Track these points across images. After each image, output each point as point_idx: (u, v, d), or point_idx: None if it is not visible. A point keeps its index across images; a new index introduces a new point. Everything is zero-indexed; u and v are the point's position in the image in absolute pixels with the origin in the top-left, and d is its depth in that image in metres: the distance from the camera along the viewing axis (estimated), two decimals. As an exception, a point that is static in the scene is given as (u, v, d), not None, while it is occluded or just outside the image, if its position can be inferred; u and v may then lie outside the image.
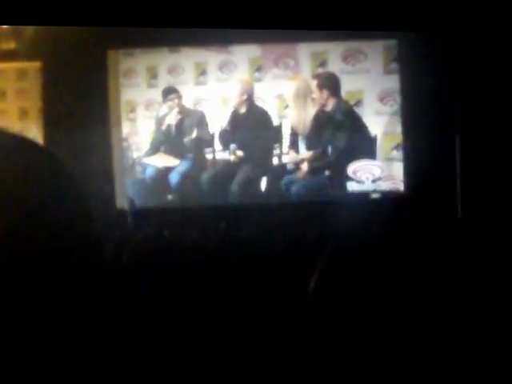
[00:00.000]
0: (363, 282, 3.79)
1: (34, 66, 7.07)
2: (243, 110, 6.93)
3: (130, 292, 4.21)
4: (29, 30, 6.52)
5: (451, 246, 4.82)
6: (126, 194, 6.94)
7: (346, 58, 6.89)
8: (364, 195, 6.74)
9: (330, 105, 6.77)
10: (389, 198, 6.82)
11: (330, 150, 6.82)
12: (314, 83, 6.81)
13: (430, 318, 3.75)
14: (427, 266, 4.22)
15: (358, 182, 6.80)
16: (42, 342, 1.33)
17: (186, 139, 7.04)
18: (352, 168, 6.76)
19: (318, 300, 3.61)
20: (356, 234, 5.50)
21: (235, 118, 6.93)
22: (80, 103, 6.85)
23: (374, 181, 6.82)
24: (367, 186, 6.81)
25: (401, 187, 6.88)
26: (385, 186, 6.86)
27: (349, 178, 6.83)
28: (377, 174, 6.80)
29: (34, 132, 6.97)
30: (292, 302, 4.37)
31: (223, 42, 6.97)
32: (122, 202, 6.92)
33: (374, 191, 6.78)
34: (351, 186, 6.83)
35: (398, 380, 2.78)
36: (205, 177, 6.96)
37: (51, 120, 6.97)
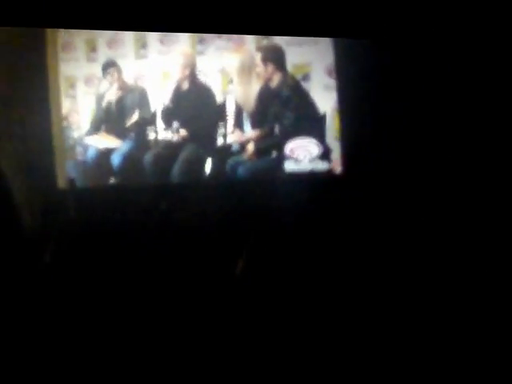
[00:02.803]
0: (290, 263, 3.54)
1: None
2: (186, 85, 6.52)
3: (72, 272, 4.02)
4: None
5: (383, 228, 4.51)
6: (66, 176, 6.63)
7: (292, 28, 6.35)
8: (310, 177, 6.34)
9: (276, 80, 6.32)
10: (332, 179, 6.44)
11: (276, 128, 6.37)
12: (258, 56, 6.29)
13: (356, 295, 3.50)
14: (358, 247, 3.94)
15: (296, 160, 6.35)
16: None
17: (128, 118, 6.64)
18: (289, 146, 6.32)
19: (245, 280, 3.40)
20: (290, 216, 5.24)
21: (178, 95, 6.52)
22: (17, 80, 6.50)
23: (311, 160, 6.37)
24: (304, 166, 6.36)
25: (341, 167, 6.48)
26: (324, 165, 6.42)
27: (287, 158, 6.37)
28: (314, 152, 6.35)
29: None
30: (225, 282, 4.16)
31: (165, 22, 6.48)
32: (62, 184, 6.62)
33: (312, 171, 6.36)
34: (289, 165, 6.38)
35: (320, 352, 2.68)
36: (148, 157, 6.58)
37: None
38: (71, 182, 6.42)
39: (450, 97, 6.05)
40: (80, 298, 4.12)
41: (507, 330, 4.30)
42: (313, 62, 6.41)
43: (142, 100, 6.63)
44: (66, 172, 6.69)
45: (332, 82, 6.37)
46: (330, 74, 6.38)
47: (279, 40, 6.41)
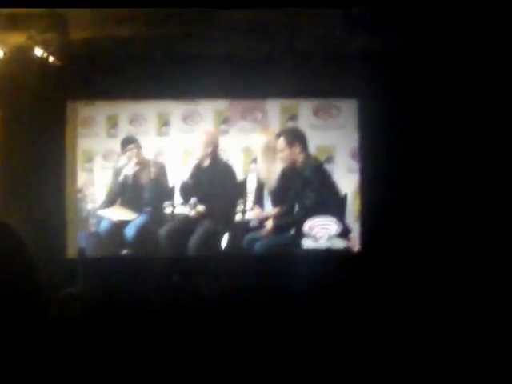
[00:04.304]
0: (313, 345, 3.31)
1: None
2: (207, 162, 6.53)
3: (79, 342, 3.75)
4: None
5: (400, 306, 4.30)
6: (77, 246, 6.45)
7: (317, 112, 6.51)
8: (327, 254, 6.27)
9: (299, 161, 6.36)
10: (350, 257, 6.39)
11: (296, 207, 6.35)
12: (282, 138, 6.38)
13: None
14: (375, 326, 3.72)
15: (314, 238, 6.31)
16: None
17: (144, 192, 6.57)
18: (308, 224, 6.29)
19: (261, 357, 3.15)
20: (306, 292, 5.08)
21: (198, 171, 6.51)
22: (36, 153, 6.49)
23: (329, 238, 6.34)
24: (322, 243, 6.34)
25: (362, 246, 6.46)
26: (342, 243, 6.42)
27: (305, 235, 6.37)
28: (333, 231, 6.32)
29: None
30: (241, 355, 3.90)
31: (189, 96, 6.62)
32: (73, 254, 6.44)
33: (330, 249, 6.32)
34: (307, 243, 6.37)
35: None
36: (162, 232, 6.46)
37: (7, 169, 6.55)
38: (82, 252, 6.26)
39: (470, 173, 6.17)
40: (88, 372, 3.88)
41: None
42: (337, 145, 6.52)
43: (160, 175, 6.60)
44: (78, 243, 6.53)
45: (355, 165, 6.44)
46: (353, 157, 6.46)
47: (304, 123, 6.53)
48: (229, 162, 6.58)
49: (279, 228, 6.39)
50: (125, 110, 6.75)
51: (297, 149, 6.41)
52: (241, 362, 4.21)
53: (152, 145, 6.74)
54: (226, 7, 5.12)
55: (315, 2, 5.10)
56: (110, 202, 6.64)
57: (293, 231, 6.40)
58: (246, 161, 6.59)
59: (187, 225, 6.48)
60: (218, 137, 6.60)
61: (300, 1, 5.12)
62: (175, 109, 6.72)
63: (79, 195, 6.65)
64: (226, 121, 6.66)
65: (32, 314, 1.44)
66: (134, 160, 6.65)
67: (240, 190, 6.52)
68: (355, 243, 6.39)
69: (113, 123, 6.75)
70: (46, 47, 5.97)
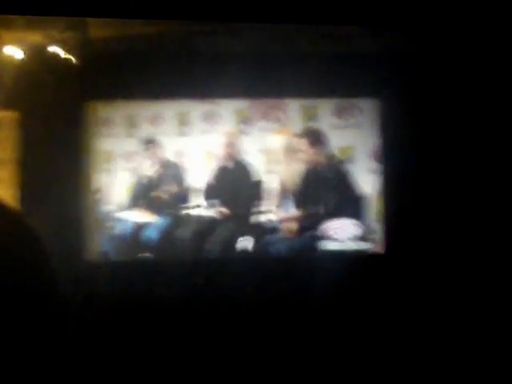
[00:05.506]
0: (335, 344, 3.27)
1: (8, 116, 6.62)
2: (227, 163, 6.49)
3: (99, 346, 3.73)
4: (6, 80, 6.13)
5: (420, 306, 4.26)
6: (97, 249, 6.41)
7: (337, 112, 6.47)
8: (349, 256, 6.23)
9: (321, 161, 6.31)
10: (371, 258, 6.34)
11: (317, 208, 6.29)
12: (303, 138, 6.32)
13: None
14: (397, 326, 3.68)
15: (335, 240, 6.29)
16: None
17: (165, 193, 6.52)
18: (329, 226, 6.26)
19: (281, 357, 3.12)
20: (327, 294, 5.05)
21: (218, 172, 6.48)
22: (55, 154, 6.43)
23: (351, 239, 6.31)
24: (344, 245, 6.32)
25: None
26: (363, 245, 6.40)
27: (327, 237, 6.33)
28: (354, 232, 6.29)
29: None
30: (264, 356, 3.88)
31: (209, 96, 6.55)
32: (92, 257, 6.40)
33: (351, 251, 6.30)
34: (328, 244, 6.35)
35: None
36: (184, 234, 6.42)
37: (25, 170, 6.52)
38: (103, 255, 6.24)
39: (496, 174, 6.10)
40: (106, 371, 3.86)
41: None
42: (358, 146, 6.46)
43: (180, 176, 6.57)
44: (97, 245, 6.50)
45: (376, 166, 6.38)
46: (374, 157, 6.41)
47: (324, 123, 6.47)
48: (249, 163, 6.51)
49: (300, 229, 6.34)
50: (144, 110, 6.70)
51: (319, 149, 6.37)
52: (263, 363, 4.19)
53: (172, 145, 6.68)
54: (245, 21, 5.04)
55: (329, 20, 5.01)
56: (130, 204, 6.59)
57: (314, 233, 6.33)
58: (267, 162, 6.53)
59: (209, 227, 6.43)
60: (238, 137, 6.53)
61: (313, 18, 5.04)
62: (195, 109, 6.66)
63: (98, 197, 6.59)
64: (246, 121, 6.59)
65: (51, 317, 1.43)
66: (155, 161, 6.60)
67: (261, 191, 6.46)
68: (377, 245, 6.34)
69: (132, 123, 6.69)
70: (64, 47, 5.93)
